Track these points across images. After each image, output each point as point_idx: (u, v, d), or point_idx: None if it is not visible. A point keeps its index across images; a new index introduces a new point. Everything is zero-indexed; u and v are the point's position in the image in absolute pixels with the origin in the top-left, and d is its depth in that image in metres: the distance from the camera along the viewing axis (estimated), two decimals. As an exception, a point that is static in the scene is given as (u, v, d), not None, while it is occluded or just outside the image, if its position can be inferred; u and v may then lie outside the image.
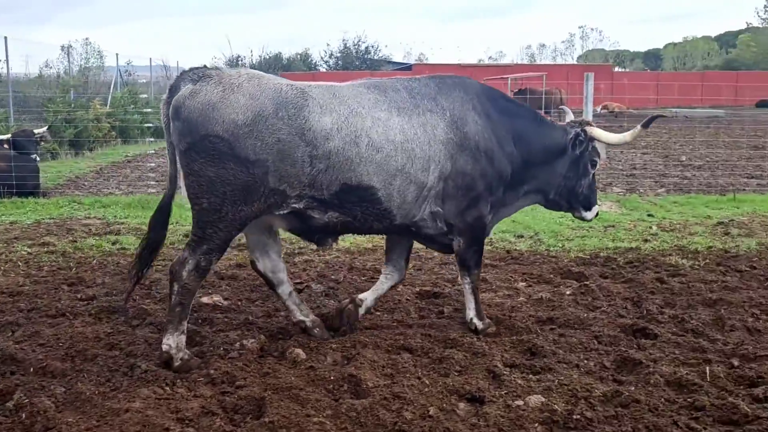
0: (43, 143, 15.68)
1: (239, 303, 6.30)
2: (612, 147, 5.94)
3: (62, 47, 52.71)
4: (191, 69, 5.06)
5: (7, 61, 20.96)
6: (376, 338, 5.36)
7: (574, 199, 5.99)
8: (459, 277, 5.82)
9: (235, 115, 4.77)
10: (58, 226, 9.79)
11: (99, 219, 10.32)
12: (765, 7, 77.13)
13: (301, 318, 5.55)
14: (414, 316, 6.09)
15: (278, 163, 4.82)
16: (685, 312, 6.06)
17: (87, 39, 69.10)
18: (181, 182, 4.98)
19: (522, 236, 9.47)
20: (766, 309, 6.20)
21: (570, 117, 6.28)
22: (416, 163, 5.16)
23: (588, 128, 5.87)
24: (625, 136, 5.77)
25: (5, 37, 20.81)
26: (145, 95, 28.46)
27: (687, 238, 9.32)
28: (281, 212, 5.02)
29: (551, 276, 7.32)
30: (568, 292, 6.71)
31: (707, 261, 7.97)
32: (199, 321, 5.79)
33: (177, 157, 4.96)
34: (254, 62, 51.72)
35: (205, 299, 6.23)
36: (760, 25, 78.90)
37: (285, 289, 5.55)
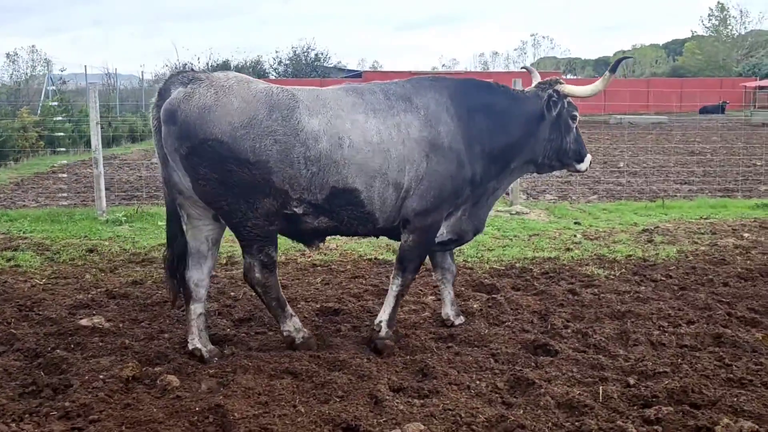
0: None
1: (122, 325, 5.88)
2: (585, 100, 5.76)
3: (8, 55, 51.74)
4: (180, 72, 5.11)
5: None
6: (260, 361, 5.00)
7: (565, 156, 5.89)
8: (391, 277, 5.54)
9: (230, 118, 4.82)
10: (-46, 242, 9.21)
11: (2, 234, 9.77)
12: (709, 16, 78.58)
13: (198, 346, 5.19)
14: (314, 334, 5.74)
15: (279, 164, 4.88)
16: (591, 326, 5.84)
17: (33, 46, 67.77)
18: (183, 184, 5.01)
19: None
20: (674, 321, 6.01)
21: (537, 78, 6.04)
22: (392, 165, 5.13)
23: (559, 87, 5.73)
24: (597, 86, 5.62)
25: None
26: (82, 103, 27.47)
27: (609, 246, 9.17)
28: (286, 212, 5.05)
29: (462, 289, 7.05)
30: (475, 306, 6.43)
31: (623, 270, 7.81)
32: (72, 346, 5.36)
33: (171, 161, 4.96)
34: (201, 70, 51.00)
35: (84, 321, 5.79)
36: (705, 34, 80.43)
37: (198, 308, 5.25)
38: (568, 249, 9.06)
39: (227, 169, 4.84)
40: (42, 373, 4.78)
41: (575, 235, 9.93)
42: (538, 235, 10.03)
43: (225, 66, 54.48)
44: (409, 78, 5.64)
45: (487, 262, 8.26)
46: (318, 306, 6.44)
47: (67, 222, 10.57)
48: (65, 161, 19.63)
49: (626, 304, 6.46)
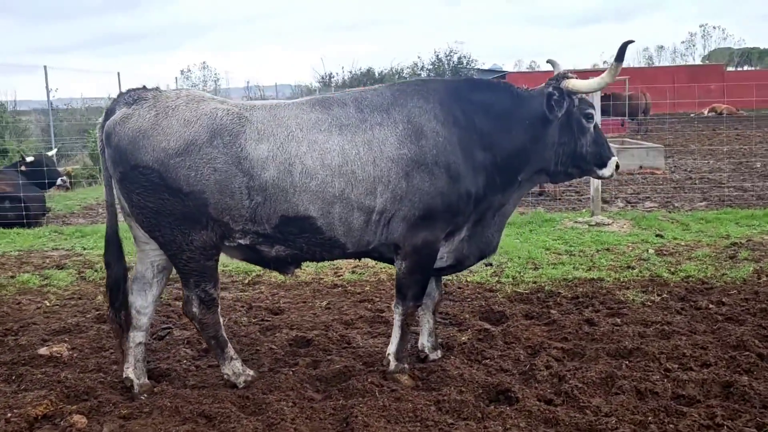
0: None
1: (80, 355, 5.67)
2: (593, 92, 5.09)
3: (181, 71, 55.85)
4: (128, 90, 4.80)
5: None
6: (182, 401, 4.60)
7: (583, 161, 5.10)
8: (392, 306, 5.07)
9: (166, 143, 4.47)
10: (15, 257, 9.59)
11: (65, 251, 10.07)
12: None
13: (131, 376, 4.90)
14: (264, 370, 5.30)
15: (216, 195, 4.50)
16: (580, 367, 4.96)
17: (204, 63, 72.52)
18: (124, 207, 4.79)
19: (491, 264, 8.43)
20: (686, 362, 5.01)
21: (558, 69, 5.32)
22: (358, 187, 4.60)
23: (563, 82, 4.95)
24: (604, 78, 4.88)
25: (118, 73, 21.83)
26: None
27: (679, 264, 8.02)
28: (230, 245, 4.74)
29: (467, 316, 6.33)
30: (464, 338, 5.71)
31: (668, 295, 6.74)
32: (13, 377, 5.21)
33: (114, 185, 4.73)
34: (345, 79, 51.82)
35: (42, 350, 5.66)
36: None
37: (138, 336, 4.94)
38: (629, 267, 8.02)
39: (160, 197, 4.52)
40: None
41: (647, 251, 8.80)
42: (607, 249, 8.99)
43: (367, 74, 55.08)
44: (394, 83, 5.06)
45: (517, 284, 7.44)
46: (294, 335, 5.97)
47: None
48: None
49: (641, 339, 5.49)
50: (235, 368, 4.95)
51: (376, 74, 56.95)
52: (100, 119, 4.78)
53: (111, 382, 5.08)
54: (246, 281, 7.96)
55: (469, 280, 7.67)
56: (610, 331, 5.72)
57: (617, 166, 5.16)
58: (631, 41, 4.84)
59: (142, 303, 4.94)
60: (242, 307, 6.95)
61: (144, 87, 4.75)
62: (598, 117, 5.88)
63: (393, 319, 5.04)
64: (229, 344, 5.00)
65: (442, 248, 4.94)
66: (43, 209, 13.27)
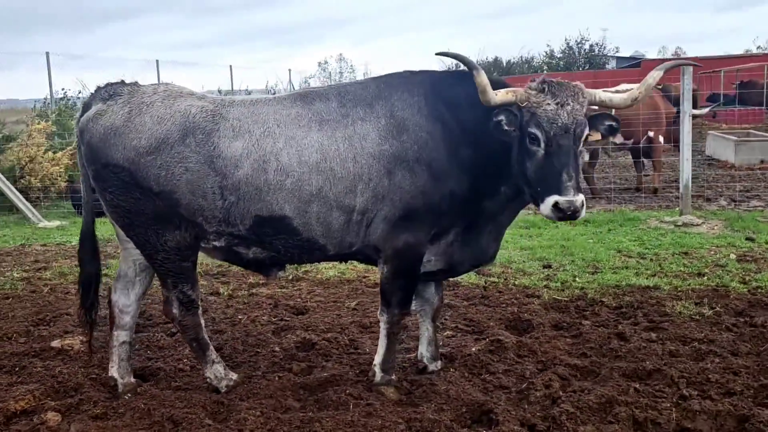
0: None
1: (94, 348, 5.63)
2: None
3: (319, 63, 57.42)
4: (106, 85, 4.71)
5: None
6: (156, 403, 4.48)
7: (529, 187, 4.15)
8: (378, 314, 4.76)
9: (137, 141, 4.33)
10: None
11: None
12: None
13: (114, 375, 4.86)
14: (257, 374, 5.13)
15: (189, 195, 4.33)
16: (582, 389, 4.45)
17: (341, 55, 74.15)
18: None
19: (550, 266, 7.89)
20: (708, 389, 4.39)
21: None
22: (337, 185, 4.31)
23: (523, 93, 4.06)
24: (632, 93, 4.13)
25: (230, 66, 22.43)
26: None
27: (759, 272, 7.18)
28: (206, 246, 4.58)
29: (490, 324, 5.88)
30: (474, 349, 5.30)
31: (725, 308, 6.00)
32: (16, 369, 5.31)
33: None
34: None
35: (54, 343, 5.75)
36: None
37: (121, 335, 4.87)
38: (699, 274, 7.26)
39: (132, 197, 4.40)
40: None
41: (729, 255, 7.95)
42: (684, 253, 8.21)
43: (495, 63, 54.21)
44: (382, 75, 4.71)
45: (562, 290, 6.88)
46: (303, 337, 5.76)
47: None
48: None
49: (669, 359, 4.89)
50: (216, 372, 4.81)
51: (504, 63, 56.00)
52: (77, 114, 4.72)
53: (103, 379, 5.06)
54: (290, 278, 7.83)
55: (516, 283, 7.19)
56: (638, 348, 5.14)
57: (557, 208, 3.89)
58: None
59: (125, 302, 4.87)
60: (269, 305, 6.83)
61: (122, 81, 4.62)
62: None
63: (380, 329, 4.72)
64: (211, 347, 4.86)
65: (428, 252, 4.56)
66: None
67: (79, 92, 19.38)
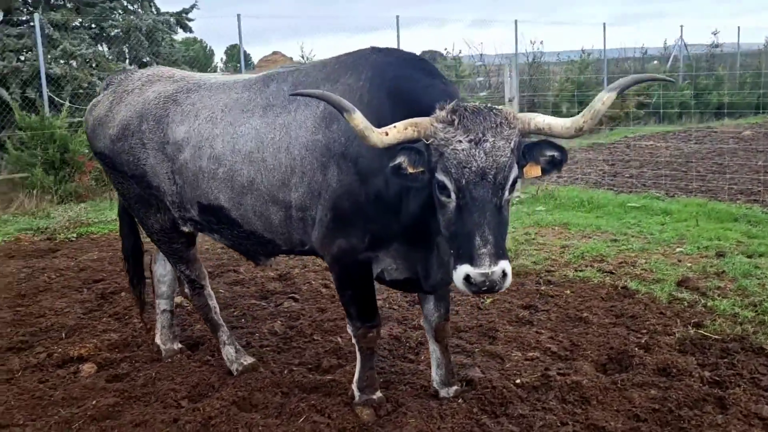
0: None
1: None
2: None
3: None
4: (116, 72, 5.21)
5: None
6: (154, 380, 4.68)
7: (444, 240, 3.41)
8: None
9: (111, 130, 4.52)
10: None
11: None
12: None
13: (158, 342, 5.13)
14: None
15: (155, 179, 4.40)
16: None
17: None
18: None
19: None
20: None
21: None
22: (269, 177, 3.92)
23: (428, 125, 3.20)
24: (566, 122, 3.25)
25: (603, 24, 21.90)
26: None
27: None
28: (183, 229, 4.62)
29: (585, 354, 4.75)
30: (517, 381, 4.35)
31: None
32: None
33: None
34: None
35: (177, 299, 6.04)
36: None
37: (162, 304, 5.16)
38: None
39: (118, 181, 4.65)
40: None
41: None
42: None
43: None
44: (347, 53, 4.03)
45: (720, 325, 5.19)
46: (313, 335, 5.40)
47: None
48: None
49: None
50: (228, 354, 4.77)
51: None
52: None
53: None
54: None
55: (677, 306, 5.63)
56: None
57: (469, 282, 3.03)
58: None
59: (162, 272, 5.11)
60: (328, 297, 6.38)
61: (123, 68, 4.82)
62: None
63: None
64: (223, 329, 4.84)
65: (386, 256, 3.82)
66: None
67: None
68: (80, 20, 16.17)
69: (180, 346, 5.14)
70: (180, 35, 18.57)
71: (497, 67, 21.61)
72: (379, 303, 5.79)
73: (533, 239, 7.97)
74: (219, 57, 34.71)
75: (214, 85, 4.35)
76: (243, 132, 4.00)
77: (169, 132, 4.25)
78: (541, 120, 3.22)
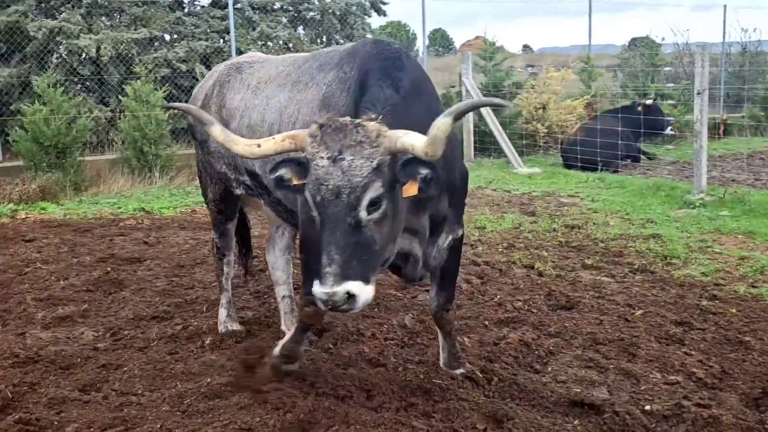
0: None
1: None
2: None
3: None
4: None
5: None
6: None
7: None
8: None
9: (195, 101, 5.01)
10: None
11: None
12: None
13: (283, 328, 5.13)
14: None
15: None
16: None
17: None
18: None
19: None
20: None
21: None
22: None
23: (304, 138, 3.24)
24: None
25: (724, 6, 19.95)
26: None
27: None
28: (237, 192, 4.86)
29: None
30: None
31: None
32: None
33: None
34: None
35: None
36: None
37: (280, 290, 5.21)
38: None
39: (198, 149, 5.12)
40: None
41: None
42: None
43: None
44: (363, 41, 4.24)
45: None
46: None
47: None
48: None
49: None
50: (220, 315, 5.12)
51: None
52: None
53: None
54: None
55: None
56: None
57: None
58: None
59: (272, 259, 5.23)
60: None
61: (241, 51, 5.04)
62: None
63: None
64: (227, 295, 5.16)
65: None
66: (628, 157, 13.13)
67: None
68: (279, 3, 16.78)
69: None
70: (377, 19, 18.69)
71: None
72: (518, 305, 5.55)
73: (709, 247, 7.18)
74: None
75: (275, 61, 4.68)
76: (272, 105, 4.27)
77: (227, 98, 4.64)
78: (407, 139, 3.05)
